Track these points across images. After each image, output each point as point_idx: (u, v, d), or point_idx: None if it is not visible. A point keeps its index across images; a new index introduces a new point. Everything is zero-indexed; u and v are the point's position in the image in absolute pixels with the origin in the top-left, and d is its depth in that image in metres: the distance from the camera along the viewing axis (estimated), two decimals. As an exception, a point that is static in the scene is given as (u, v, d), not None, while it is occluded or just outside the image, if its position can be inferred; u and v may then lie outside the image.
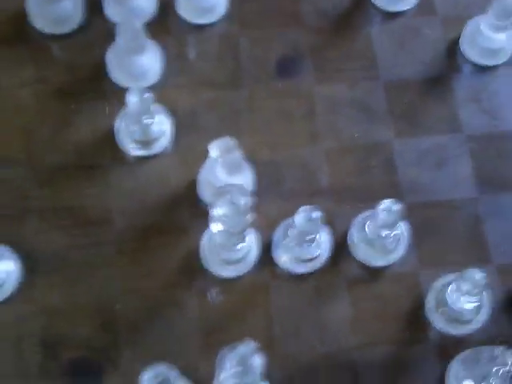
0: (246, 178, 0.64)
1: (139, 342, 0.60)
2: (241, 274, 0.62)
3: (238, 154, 0.60)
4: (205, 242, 0.63)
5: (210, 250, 0.62)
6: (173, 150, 0.67)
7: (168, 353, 0.59)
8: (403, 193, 0.66)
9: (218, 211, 0.54)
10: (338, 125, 0.69)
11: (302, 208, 0.58)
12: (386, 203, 0.58)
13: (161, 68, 0.69)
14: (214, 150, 0.60)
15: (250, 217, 0.55)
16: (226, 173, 0.61)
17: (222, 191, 0.55)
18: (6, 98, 0.68)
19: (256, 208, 0.63)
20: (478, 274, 0.56)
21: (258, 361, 0.50)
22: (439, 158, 0.68)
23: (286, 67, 0.71)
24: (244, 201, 0.54)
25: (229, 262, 0.62)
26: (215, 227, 0.56)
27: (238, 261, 0.62)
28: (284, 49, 0.72)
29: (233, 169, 0.60)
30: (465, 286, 0.56)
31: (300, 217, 0.58)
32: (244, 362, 0.50)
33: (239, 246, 0.60)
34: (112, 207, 0.65)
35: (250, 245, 0.62)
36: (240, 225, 0.55)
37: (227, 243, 0.59)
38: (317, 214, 0.58)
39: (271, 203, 0.65)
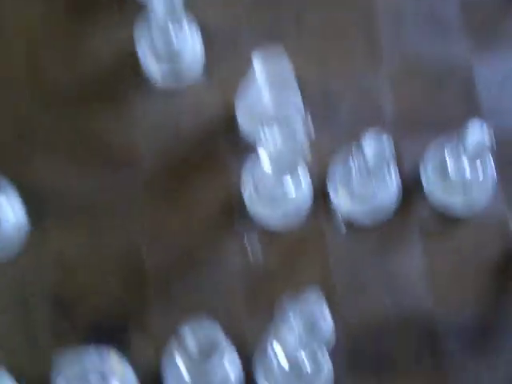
0: (296, 100, 0.53)
1: (172, 299, 0.50)
2: (291, 218, 0.52)
3: (288, 66, 0.49)
4: (247, 180, 0.53)
5: (255, 188, 0.52)
6: (206, 74, 0.56)
7: (206, 312, 0.50)
8: (485, 117, 0.54)
9: (267, 146, 0.44)
10: (404, 41, 0.58)
11: (370, 133, 0.47)
12: (474, 124, 0.47)
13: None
14: (259, 61, 0.49)
15: (305, 151, 0.45)
16: (272, 92, 0.50)
17: (273, 119, 0.44)
18: (9, 10, 0.57)
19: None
20: None
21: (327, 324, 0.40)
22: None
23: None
24: (301, 132, 0.43)
25: (276, 201, 0.51)
26: (265, 164, 0.45)
27: (285, 198, 0.51)
28: None
29: (281, 86, 0.49)
30: None
31: (367, 143, 0.47)
32: (310, 324, 0.40)
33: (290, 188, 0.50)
34: (139, 143, 0.54)
35: (301, 183, 0.52)
36: (294, 162, 0.45)
37: (276, 182, 0.49)
38: (388, 142, 0.47)
39: (323, 137, 0.54)
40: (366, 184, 0.49)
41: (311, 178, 0.53)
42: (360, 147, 0.47)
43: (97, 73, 0.56)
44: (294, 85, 0.51)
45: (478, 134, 0.47)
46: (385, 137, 0.47)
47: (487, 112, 0.55)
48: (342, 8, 0.58)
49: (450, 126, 0.55)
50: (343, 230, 0.52)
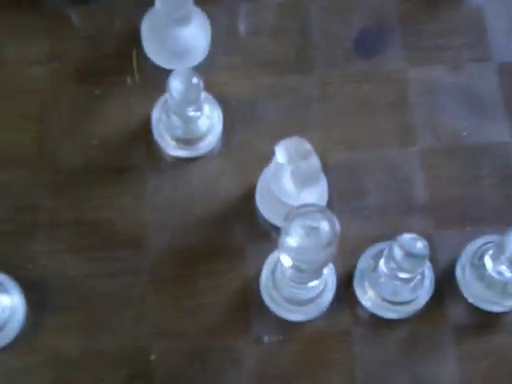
0: (321, 192, 0.49)
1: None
2: (312, 317, 0.48)
3: (315, 161, 0.45)
4: (266, 273, 0.48)
5: (274, 284, 0.47)
6: (223, 150, 0.52)
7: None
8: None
9: (291, 241, 0.39)
10: (438, 119, 0.53)
11: (404, 236, 0.43)
12: (515, 232, 0.43)
13: (208, 44, 0.54)
14: (283, 153, 0.45)
15: (332, 249, 0.40)
16: (296, 184, 0.46)
17: (298, 213, 0.40)
18: (13, 78, 0.53)
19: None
20: None
21: None
22: None
23: (368, 44, 0.55)
24: (329, 228, 0.39)
25: (296, 303, 0.47)
26: (286, 261, 0.41)
27: (310, 301, 0.47)
28: (366, 20, 0.56)
29: (307, 180, 0.45)
30: None
31: (398, 249, 0.42)
32: None
33: (313, 284, 0.45)
34: (146, 223, 0.50)
35: (326, 280, 0.48)
36: (319, 260, 0.40)
37: (298, 279, 0.44)
38: (422, 245, 0.43)
39: (349, 222, 0.50)
40: (397, 288, 0.45)
41: (336, 270, 0.49)
42: (391, 249, 0.42)
43: (105, 142, 0.52)
44: (320, 177, 0.47)
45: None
46: (421, 242, 0.42)
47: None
48: (373, 81, 0.55)
49: (486, 215, 0.51)
50: (370, 324, 0.48)
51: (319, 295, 0.47)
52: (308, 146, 0.45)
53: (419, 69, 0.55)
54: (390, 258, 0.43)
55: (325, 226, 0.39)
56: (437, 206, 0.51)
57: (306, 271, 0.42)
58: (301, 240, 0.39)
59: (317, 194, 0.48)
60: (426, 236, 0.48)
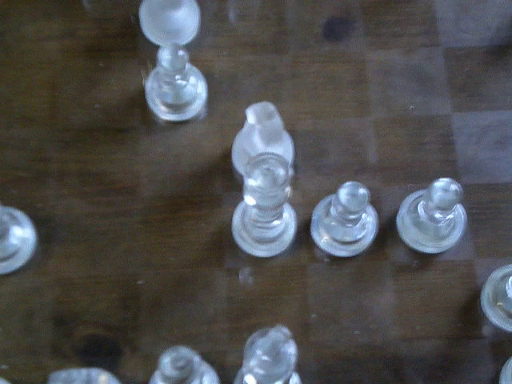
0: (285, 149, 0.58)
1: (161, 323, 0.55)
2: (275, 253, 0.57)
3: (278, 121, 0.54)
4: (237, 217, 0.57)
5: (243, 226, 0.56)
6: (207, 116, 0.61)
7: (193, 336, 0.54)
8: (460, 173, 0.59)
9: (252, 182, 0.49)
10: (391, 94, 0.62)
11: (347, 183, 0.52)
12: (442, 181, 0.52)
13: (197, 26, 0.64)
14: (252, 115, 0.54)
15: (288, 190, 0.50)
16: (263, 141, 0.55)
17: (258, 160, 0.49)
18: (31, 50, 0.63)
19: (294, 182, 0.58)
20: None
21: (290, 349, 0.44)
22: (502, 135, 0.60)
23: (335, 30, 0.65)
24: (282, 172, 0.48)
25: (262, 241, 0.56)
26: (249, 200, 0.50)
27: (273, 240, 0.56)
28: (334, 10, 0.65)
29: (272, 137, 0.54)
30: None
31: (344, 193, 0.52)
32: (275, 350, 0.44)
33: (275, 223, 0.55)
34: (140, 174, 0.59)
35: (287, 222, 0.57)
36: (277, 199, 0.50)
37: (261, 219, 0.54)
38: (363, 191, 0.52)
39: (311, 178, 0.59)
40: (343, 226, 0.54)
41: (297, 215, 0.58)
42: (337, 197, 0.52)
43: (107, 107, 0.61)
44: (284, 137, 0.57)
45: (443, 191, 0.51)
46: (362, 187, 0.52)
47: (462, 164, 0.60)
48: (337, 62, 0.64)
49: (427, 175, 0.59)
50: (324, 261, 0.57)
51: (281, 235, 0.56)
52: (272, 108, 0.54)
53: (377, 52, 0.64)
54: (338, 202, 0.52)
55: (279, 170, 0.48)
56: (385, 166, 0.60)
57: (267, 209, 0.51)
58: (260, 181, 0.49)
59: (282, 150, 0.57)
60: (375, 189, 0.58)
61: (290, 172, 0.49)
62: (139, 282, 0.56)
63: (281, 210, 0.53)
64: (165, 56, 0.55)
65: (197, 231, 0.58)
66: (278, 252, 0.57)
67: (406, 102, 0.62)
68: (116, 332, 0.54)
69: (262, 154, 0.49)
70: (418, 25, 0.65)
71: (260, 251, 0.57)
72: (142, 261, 0.57)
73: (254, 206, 0.51)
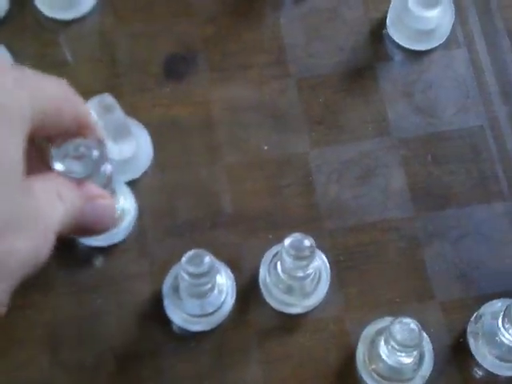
0: (140, 144, 0.53)
1: None
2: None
3: (119, 114, 0.48)
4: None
5: None
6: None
7: None
8: (323, 216, 0.54)
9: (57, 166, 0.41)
10: (242, 135, 0.56)
11: (188, 254, 0.45)
12: (291, 239, 0.46)
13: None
14: (92, 109, 0.47)
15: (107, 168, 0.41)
16: (110, 139, 0.49)
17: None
18: None
19: (142, 248, 0.52)
20: (412, 324, 0.44)
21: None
22: (364, 169, 0.55)
23: (176, 68, 0.58)
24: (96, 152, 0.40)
25: None
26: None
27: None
28: (172, 46, 0.58)
29: (117, 133, 0.48)
30: (398, 336, 0.45)
31: (187, 265, 0.45)
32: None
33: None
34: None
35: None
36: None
37: None
38: (207, 259, 0.45)
39: (162, 242, 0.52)
40: (199, 303, 0.48)
41: (148, 287, 0.51)
42: (182, 267, 0.45)
43: None
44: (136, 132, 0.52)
45: (294, 249, 0.45)
46: (206, 255, 0.45)
47: (325, 206, 0.54)
48: (181, 103, 0.57)
49: (289, 223, 0.54)
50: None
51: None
52: (110, 100, 0.47)
53: (223, 88, 0.57)
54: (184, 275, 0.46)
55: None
56: (242, 217, 0.54)
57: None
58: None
59: (134, 146, 0.51)
60: (233, 246, 0.52)
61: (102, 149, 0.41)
62: None
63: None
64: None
65: (27, 323, 0.50)
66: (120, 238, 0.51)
67: (260, 142, 0.56)
68: None
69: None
70: (265, 54, 0.59)
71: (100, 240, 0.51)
72: None
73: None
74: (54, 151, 0.41)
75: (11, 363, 0.48)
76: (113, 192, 0.46)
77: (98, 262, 0.52)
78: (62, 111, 0.36)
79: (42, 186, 0.35)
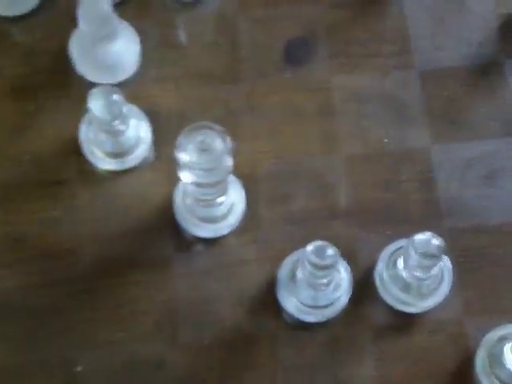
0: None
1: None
2: (223, 234, 0.50)
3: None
4: (178, 199, 0.51)
5: (186, 207, 0.50)
6: (154, 162, 0.54)
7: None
8: (443, 215, 0.52)
9: (184, 157, 0.41)
10: (362, 126, 0.55)
11: (314, 244, 0.45)
12: (422, 238, 0.44)
13: (138, 58, 0.56)
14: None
15: (229, 164, 0.43)
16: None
17: (191, 130, 0.42)
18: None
19: (257, 234, 0.51)
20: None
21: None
22: (489, 169, 0.53)
23: (297, 53, 0.57)
24: (220, 143, 0.41)
25: (208, 220, 0.49)
26: (186, 177, 0.44)
27: (220, 218, 0.49)
28: (294, 30, 0.57)
29: None
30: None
31: (312, 255, 0.44)
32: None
33: (220, 200, 0.48)
34: (80, 234, 0.52)
35: (233, 200, 0.50)
36: (216, 174, 0.43)
37: (204, 197, 0.47)
38: (332, 252, 0.44)
39: (276, 228, 0.52)
40: (313, 289, 0.47)
41: (261, 272, 0.51)
42: (305, 257, 0.44)
43: (38, 157, 0.53)
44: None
45: (423, 249, 0.44)
46: (330, 248, 0.44)
47: (445, 204, 0.52)
48: (300, 90, 0.56)
49: (407, 218, 0.52)
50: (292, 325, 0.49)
51: (228, 213, 0.50)
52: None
53: (345, 77, 0.56)
54: (306, 264, 0.45)
55: (216, 141, 0.42)
56: (359, 210, 0.52)
57: (206, 186, 0.44)
58: (195, 156, 0.42)
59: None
60: (348, 239, 0.51)
61: (230, 143, 0.42)
62: (78, 369, 0.48)
63: (224, 186, 0.46)
64: (96, 104, 0.47)
65: (147, 300, 0.50)
66: (225, 232, 0.50)
67: (380, 134, 0.55)
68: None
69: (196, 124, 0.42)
70: (389, 44, 0.57)
71: (206, 231, 0.50)
72: (85, 339, 0.49)
73: (193, 184, 0.44)
74: (181, 140, 0.40)
75: (131, 336, 0.49)
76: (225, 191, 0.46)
77: (211, 248, 0.52)
78: None
79: None
